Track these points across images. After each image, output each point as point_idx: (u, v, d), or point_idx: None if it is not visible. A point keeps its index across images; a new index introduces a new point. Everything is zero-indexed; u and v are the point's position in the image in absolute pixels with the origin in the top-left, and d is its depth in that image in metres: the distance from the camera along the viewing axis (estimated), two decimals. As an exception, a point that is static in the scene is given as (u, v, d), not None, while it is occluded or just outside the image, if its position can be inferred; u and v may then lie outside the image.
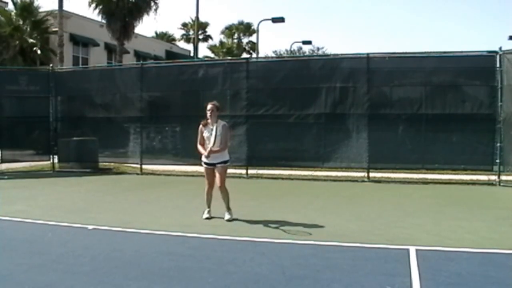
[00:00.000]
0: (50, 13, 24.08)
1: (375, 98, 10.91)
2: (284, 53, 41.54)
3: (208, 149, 6.45)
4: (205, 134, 6.57)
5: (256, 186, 10.04)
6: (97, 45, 28.45)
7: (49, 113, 13.54)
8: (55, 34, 22.88)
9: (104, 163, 13.28)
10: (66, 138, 13.37)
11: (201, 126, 6.66)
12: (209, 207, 6.76)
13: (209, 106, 6.56)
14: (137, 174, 12.41)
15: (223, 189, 6.58)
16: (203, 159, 6.64)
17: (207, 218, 6.64)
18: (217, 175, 6.56)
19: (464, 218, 6.70)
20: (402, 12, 72.00)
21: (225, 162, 6.63)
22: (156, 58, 31.48)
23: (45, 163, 13.48)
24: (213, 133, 6.44)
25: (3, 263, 4.72)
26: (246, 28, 43.25)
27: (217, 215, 6.67)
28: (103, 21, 25.18)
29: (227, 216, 6.56)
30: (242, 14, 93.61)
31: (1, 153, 12.96)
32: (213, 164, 6.58)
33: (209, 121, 6.56)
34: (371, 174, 10.67)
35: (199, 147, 6.66)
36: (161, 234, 5.86)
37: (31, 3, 24.12)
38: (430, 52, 10.88)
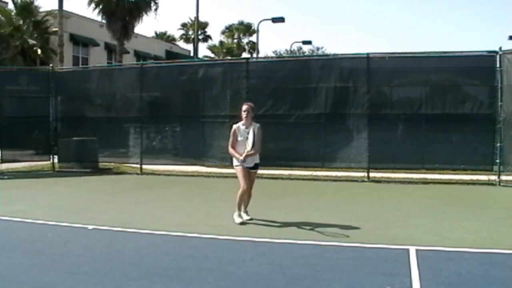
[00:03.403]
0: (50, 13, 24.09)
1: (375, 98, 10.90)
2: (284, 53, 41.58)
3: (244, 153, 6.12)
4: (240, 137, 6.26)
5: (256, 186, 10.01)
6: (97, 45, 28.45)
7: (49, 113, 13.53)
8: (55, 34, 22.89)
9: (104, 163, 13.28)
10: (66, 138, 13.36)
11: (234, 127, 6.35)
12: (240, 209, 6.46)
13: (244, 107, 6.29)
14: (137, 174, 12.40)
15: (251, 192, 6.50)
16: (245, 164, 6.26)
17: (243, 223, 6.28)
18: (251, 180, 6.41)
19: (464, 218, 6.70)
20: (402, 12, 72.08)
21: (258, 165, 6.49)
22: (156, 58, 31.48)
23: (45, 163, 13.47)
24: (251, 135, 6.16)
25: (3, 263, 4.72)
26: (246, 28, 43.26)
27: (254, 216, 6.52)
28: (103, 21, 25.18)
29: (248, 217, 6.45)
30: (242, 14, 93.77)
31: (1, 153, 12.96)
32: (249, 167, 6.33)
33: (241, 122, 6.32)
34: (371, 174, 10.67)
35: (232, 150, 6.33)
36: (161, 234, 5.86)
37: (31, 3, 24.12)
38: (430, 52, 10.88)
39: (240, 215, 6.37)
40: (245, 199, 6.44)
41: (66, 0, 31.90)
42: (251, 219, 6.40)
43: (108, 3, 24.16)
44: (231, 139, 6.34)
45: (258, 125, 6.35)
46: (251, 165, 6.32)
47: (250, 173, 6.36)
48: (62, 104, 13.76)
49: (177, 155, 13.02)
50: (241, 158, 6.15)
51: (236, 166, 6.36)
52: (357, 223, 6.35)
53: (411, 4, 73.67)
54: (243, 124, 6.32)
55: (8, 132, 13.07)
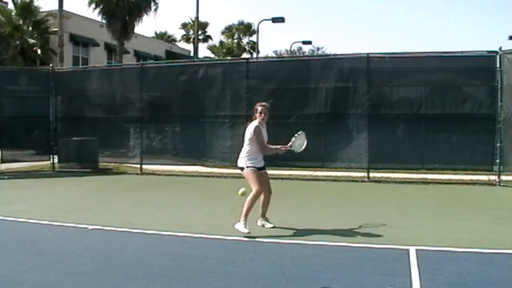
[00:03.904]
0: (50, 13, 24.10)
1: (375, 98, 10.90)
2: (284, 53, 41.57)
3: (291, 143, 6.19)
4: (264, 135, 6.08)
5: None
6: (97, 45, 28.45)
7: (49, 113, 13.53)
8: (55, 34, 22.90)
9: (104, 163, 13.28)
10: (66, 138, 13.36)
11: (259, 126, 6.03)
12: (247, 218, 5.78)
13: (260, 108, 6.07)
14: (137, 174, 12.40)
15: (270, 197, 6.17)
16: (257, 164, 5.98)
17: (273, 227, 6.01)
18: (267, 178, 6.13)
19: (464, 218, 6.70)
20: (402, 12, 72.07)
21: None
22: (156, 58, 31.50)
23: (45, 163, 13.47)
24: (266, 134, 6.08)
25: (3, 263, 4.72)
26: (246, 28, 43.24)
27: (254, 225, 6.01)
28: (103, 21, 25.19)
29: (270, 225, 6.08)
30: (242, 14, 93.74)
31: (1, 153, 12.96)
32: (262, 167, 6.06)
33: (257, 121, 6.06)
34: (371, 174, 10.67)
35: (270, 146, 6.13)
36: (161, 234, 5.86)
37: (31, 2, 24.13)
38: (430, 52, 10.87)
39: (246, 225, 5.66)
40: (264, 205, 6.09)
41: (66, 0, 31.89)
42: (274, 227, 6.03)
43: (108, 3, 24.17)
44: (260, 138, 5.97)
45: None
46: (263, 164, 6.09)
47: (263, 174, 6.06)
48: (62, 104, 13.75)
49: (177, 155, 13.02)
50: (287, 147, 6.18)
51: (248, 168, 5.92)
52: (357, 223, 6.35)
53: (411, 4, 73.70)
54: (259, 123, 6.08)
55: (8, 132, 13.06)
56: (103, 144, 13.21)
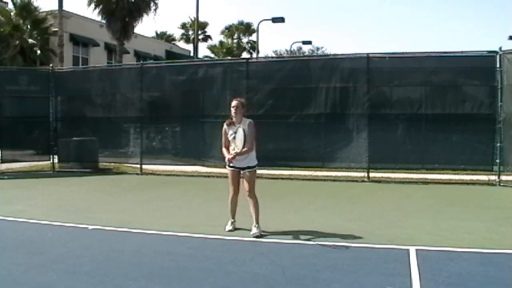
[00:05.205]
0: (50, 13, 24.10)
1: (375, 98, 10.90)
2: (284, 53, 41.59)
3: (233, 152, 5.71)
4: (230, 135, 5.81)
5: (256, 187, 10.02)
6: (97, 45, 28.45)
7: (49, 113, 13.52)
8: (55, 34, 22.90)
9: (104, 163, 13.28)
10: (66, 138, 13.36)
11: (224, 126, 5.90)
12: (233, 217, 5.97)
13: (233, 103, 5.76)
14: (137, 174, 12.40)
15: (252, 196, 5.80)
16: (226, 161, 5.89)
17: (230, 231, 5.84)
18: (245, 182, 5.80)
19: (464, 218, 6.70)
20: (402, 12, 72.08)
21: (253, 166, 5.83)
22: (156, 58, 31.49)
23: (45, 163, 13.47)
24: (239, 134, 5.68)
25: (3, 263, 4.72)
26: (246, 28, 43.29)
27: (243, 226, 5.91)
28: (103, 21, 25.19)
29: (254, 230, 5.65)
30: (242, 14, 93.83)
31: (1, 153, 12.97)
32: (240, 168, 5.82)
33: (233, 120, 5.79)
34: (371, 174, 10.67)
35: (224, 150, 5.91)
36: (161, 234, 5.86)
37: (30, 2, 24.12)
38: (430, 52, 10.86)
39: (232, 223, 5.89)
40: (253, 208, 5.79)
41: (66, 0, 31.89)
42: (258, 235, 5.61)
43: (108, 3, 24.17)
44: (223, 139, 5.94)
45: (249, 120, 5.80)
46: (242, 165, 5.78)
47: (242, 174, 5.83)
48: (62, 104, 13.75)
49: (177, 155, 13.03)
50: (228, 157, 5.72)
51: (227, 167, 5.94)
52: (357, 223, 6.35)
53: (411, 4, 73.71)
54: (227, 122, 5.92)
55: (8, 132, 13.06)
56: (103, 144, 13.21)
